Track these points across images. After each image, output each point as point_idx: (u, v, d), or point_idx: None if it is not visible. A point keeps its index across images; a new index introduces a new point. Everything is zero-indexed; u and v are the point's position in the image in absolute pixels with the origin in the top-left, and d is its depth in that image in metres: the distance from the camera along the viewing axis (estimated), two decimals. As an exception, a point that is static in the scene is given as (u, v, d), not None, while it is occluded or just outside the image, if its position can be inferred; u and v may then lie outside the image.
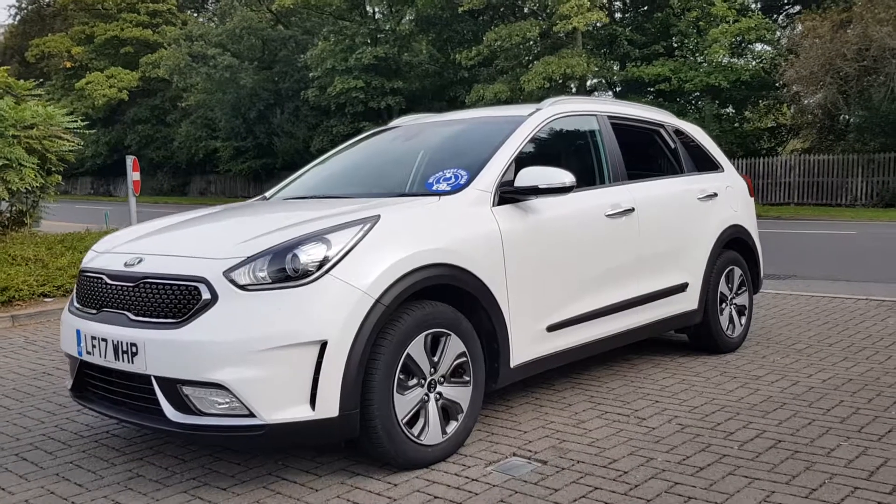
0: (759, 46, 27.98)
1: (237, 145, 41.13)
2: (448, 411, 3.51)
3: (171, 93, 45.81)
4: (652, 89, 28.74)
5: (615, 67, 29.16)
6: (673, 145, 5.38)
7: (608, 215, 4.46)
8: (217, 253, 3.27)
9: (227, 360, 3.02)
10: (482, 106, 29.62)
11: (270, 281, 3.13)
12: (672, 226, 4.95)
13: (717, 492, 3.07)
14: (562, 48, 29.17)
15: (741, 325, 5.55)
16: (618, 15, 31.73)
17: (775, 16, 29.58)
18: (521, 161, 4.09)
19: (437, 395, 3.46)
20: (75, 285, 3.88)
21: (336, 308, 3.11)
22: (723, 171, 5.70)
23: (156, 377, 3.17)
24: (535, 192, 3.87)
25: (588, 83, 29.74)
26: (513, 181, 3.93)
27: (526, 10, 32.08)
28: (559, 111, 4.54)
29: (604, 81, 29.57)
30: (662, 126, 5.38)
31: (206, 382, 3.05)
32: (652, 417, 4.03)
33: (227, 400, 3.06)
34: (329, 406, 3.09)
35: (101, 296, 3.53)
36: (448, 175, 3.96)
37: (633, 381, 4.73)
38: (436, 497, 3.10)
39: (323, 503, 3.09)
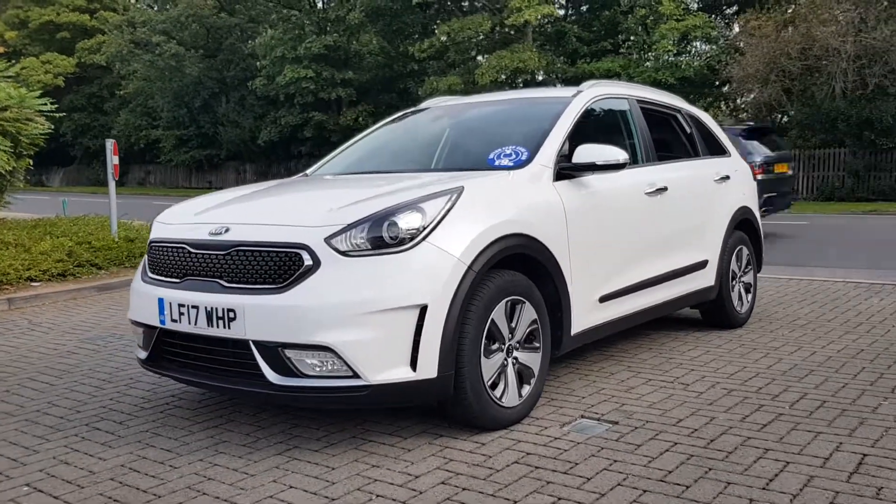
0: (699, 45, 28.85)
1: (180, 134, 40.34)
2: (522, 375, 3.68)
3: (108, 80, 44.61)
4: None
5: (565, 64, 29.62)
6: (689, 130, 5.64)
7: (646, 193, 4.68)
8: (313, 221, 3.35)
9: (333, 323, 3.12)
10: (437, 96, 29.78)
11: (370, 247, 3.24)
12: (696, 206, 5.22)
13: (789, 443, 3.31)
14: (512, 43, 29.56)
15: (748, 301, 5.87)
16: (560, 12, 32.22)
17: (713, 16, 30.49)
18: (570, 139, 4.28)
19: (514, 360, 3.62)
20: (146, 257, 3.90)
21: (434, 274, 3.24)
22: (730, 155, 5.99)
23: (255, 342, 3.24)
24: (592, 168, 4.06)
25: (538, 79, 30.17)
26: (569, 157, 4.12)
27: (478, 3, 32.29)
28: (599, 93, 4.74)
29: (554, 77, 30.00)
30: (679, 111, 5.64)
31: (311, 345, 3.15)
32: (695, 384, 4.27)
33: (331, 362, 3.16)
34: (429, 368, 3.22)
35: (183, 265, 3.57)
36: (508, 151, 4.11)
37: (662, 353, 4.97)
38: (528, 454, 3.26)
39: (421, 461, 3.22)
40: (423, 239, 3.28)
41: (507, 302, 3.54)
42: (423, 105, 5.47)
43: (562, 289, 3.89)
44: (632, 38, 29.02)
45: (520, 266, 3.72)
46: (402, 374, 3.19)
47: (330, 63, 33.26)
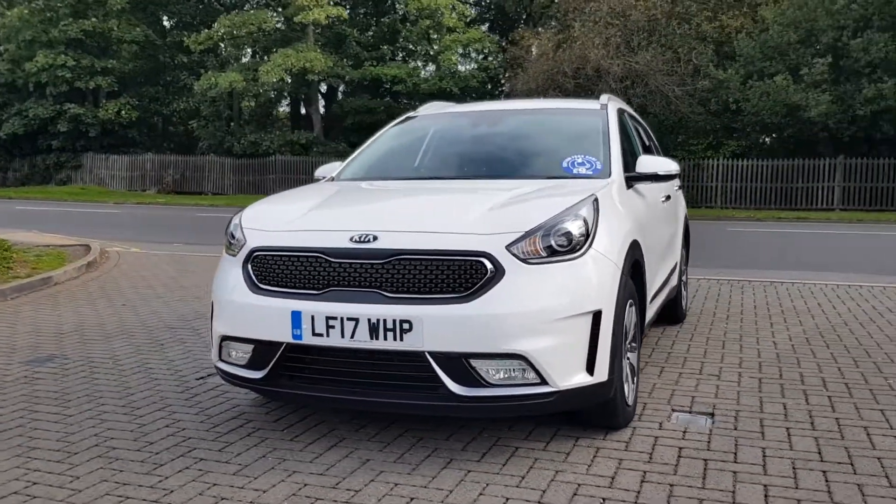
0: (479, 57, 30.48)
1: None
2: (630, 373, 3.86)
3: None
4: (386, 89, 29.92)
5: (349, 67, 29.73)
6: (648, 142, 6.13)
7: (661, 201, 5.06)
8: (487, 228, 3.27)
9: (525, 332, 3.09)
10: (215, 93, 28.46)
11: (546, 255, 3.23)
12: (676, 213, 5.71)
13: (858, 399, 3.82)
14: (294, 42, 29.09)
15: (686, 296, 6.50)
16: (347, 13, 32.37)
17: (492, 32, 32.37)
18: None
19: (628, 359, 3.80)
20: (246, 267, 3.50)
21: (601, 280, 3.32)
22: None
23: (432, 353, 3.10)
24: (654, 178, 4.33)
25: (322, 80, 29.96)
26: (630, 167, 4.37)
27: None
28: (618, 106, 5.03)
29: (339, 79, 29.98)
30: (642, 124, 6.11)
31: (502, 354, 3.09)
32: (729, 370, 4.69)
33: (520, 370, 3.12)
34: (602, 371, 3.29)
35: (323, 275, 3.29)
36: (580, 160, 4.25)
37: (664, 350, 5.35)
38: (681, 447, 3.44)
39: (590, 462, 3.27)
40: (590, 246, 3.34)
41: (629, 304, 3.70)
42: (421, 112, 5.34)
43: (642, 291, 4.12)
44: (415, 47, 29.93)
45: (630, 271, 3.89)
46: (582, 378, 3.23)
47: (88, 50, 30.42)
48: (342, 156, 13.68)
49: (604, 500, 2.94)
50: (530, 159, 4.54)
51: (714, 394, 4.26)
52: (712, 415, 3.92)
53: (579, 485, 3.07)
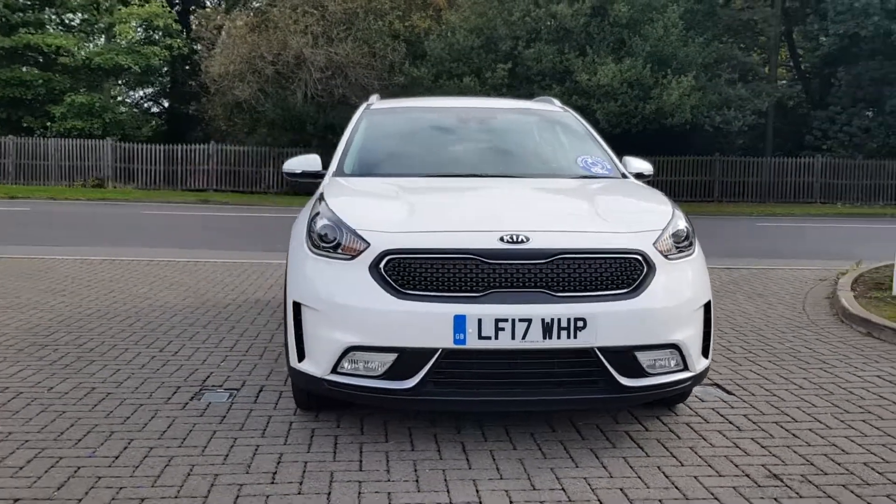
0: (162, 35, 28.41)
1: None
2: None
3: None
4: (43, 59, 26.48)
5: (-1, 31, 25.76)
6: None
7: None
8: (625, 227, 3.49)
9: (677, 323, 3.43)
10: None
11: (675, 252, 3.56)
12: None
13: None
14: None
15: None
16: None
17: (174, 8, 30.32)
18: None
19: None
20: (383, 273, 3.28)
21: (706, 272, 3.75)
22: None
23: (600, 348, 3.26)
24: (641, 176, 4.83)
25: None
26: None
27: None
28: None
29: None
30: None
31: (662, 345, 3.37)
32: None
33: (672, 358, 3.42)
34: (710, 355, 3.71)
35: (481, 276, 3.24)
36: (591, 160, 4.63)
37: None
38: (705, 421, 4.00)
39: (696, 443, 3.69)
40: (693, 242, 3.73)
41: None
42: (377, 106, 5.19)
43: None
44: (81, 15, 26.91)
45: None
46: (704, 362, 3.64)
47: None
48: None
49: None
50: (544, 158, 4.76)
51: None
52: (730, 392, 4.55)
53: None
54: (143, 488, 3.04)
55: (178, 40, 27.38)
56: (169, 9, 27.44)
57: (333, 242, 3.49)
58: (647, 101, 22.19)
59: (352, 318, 3.31)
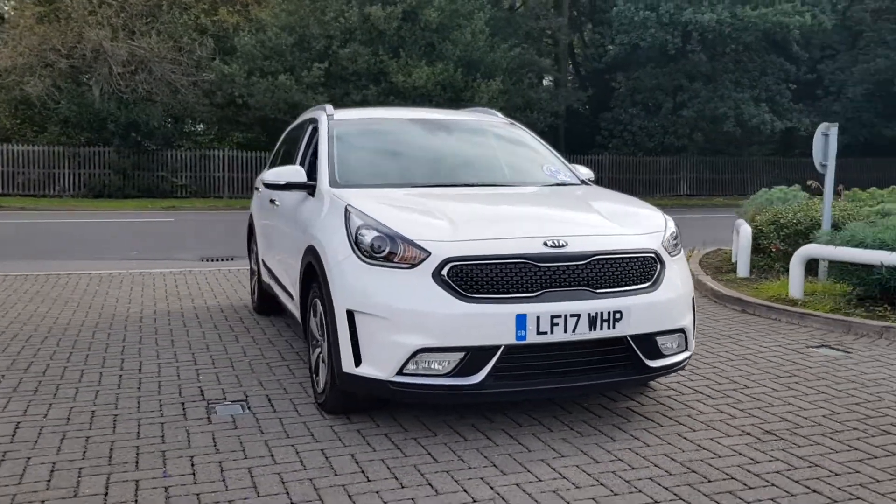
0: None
1: None
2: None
3: None
4: None
5: None
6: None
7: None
8: (637, 229, 4.01)
9: (684, 311, 4.03)
10: None
11: (672, 251, 4.13)
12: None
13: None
14: None
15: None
16: None
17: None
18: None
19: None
20: (446, 279, 3.56)
21: (688, 269, 4.37)
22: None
23: (631, 336, 3.77)
24: (585, 183, 5.39)
25: None
26: (563, 173, 5.37)
27: None
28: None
29: None
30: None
31: (675, 329, 3.95)
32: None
33: (679, 341, 4.01)
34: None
35: (535, 278, 3.61)
36: (553, 168, 5.13)
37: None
38: (680, 394, 4.69)
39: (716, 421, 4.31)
40: (679, 242, 4.34)
41: None
42: (341, 116, 5.27)
43: None
44: None
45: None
46: (693, 343, 4.24)
47: None
48: None
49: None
50: (518, 168, 5.17)
51: None
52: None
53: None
54: (249, 500, 3.11)
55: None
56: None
57: (385, 252, 3.69)
58: (460, 104, 23.26)
59: (419, 322, 3.54)
